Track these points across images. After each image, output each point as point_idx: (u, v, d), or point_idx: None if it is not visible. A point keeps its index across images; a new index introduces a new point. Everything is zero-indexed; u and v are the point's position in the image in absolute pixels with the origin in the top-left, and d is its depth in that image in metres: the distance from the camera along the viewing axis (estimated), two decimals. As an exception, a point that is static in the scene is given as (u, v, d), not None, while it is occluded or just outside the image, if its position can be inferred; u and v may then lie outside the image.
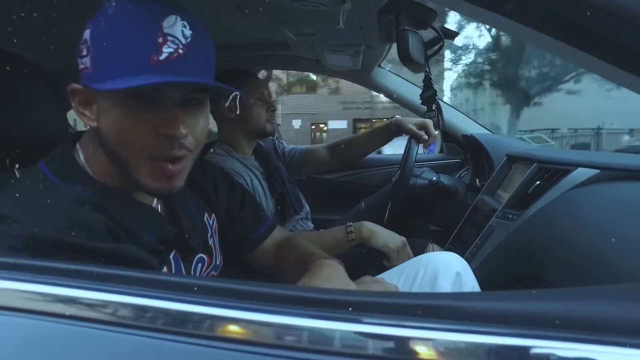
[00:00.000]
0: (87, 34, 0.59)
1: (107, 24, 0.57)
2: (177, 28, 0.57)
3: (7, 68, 0.74)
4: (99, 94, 0.59)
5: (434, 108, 1.42)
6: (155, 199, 0.72)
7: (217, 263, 0.83)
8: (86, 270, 0.47)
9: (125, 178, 0.63)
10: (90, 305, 0.44)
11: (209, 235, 0.81)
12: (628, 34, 0.40)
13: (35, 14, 0.88)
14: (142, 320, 0.42)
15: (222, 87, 0.62)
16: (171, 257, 0.69)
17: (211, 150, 1.45)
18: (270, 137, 1.64)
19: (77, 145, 0.67)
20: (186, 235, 0.71)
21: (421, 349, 0.37)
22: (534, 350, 0.34)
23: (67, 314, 0.44)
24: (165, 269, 0.67)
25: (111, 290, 0.44)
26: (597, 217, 0.92)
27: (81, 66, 0.60)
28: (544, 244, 1.03)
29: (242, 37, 1.60)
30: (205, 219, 0.81)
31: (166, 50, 0.56)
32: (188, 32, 0.57)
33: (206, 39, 0.61)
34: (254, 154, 1.49)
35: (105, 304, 0.44)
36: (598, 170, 1.00)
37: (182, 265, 0.71)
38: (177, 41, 0.56)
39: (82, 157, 0.65)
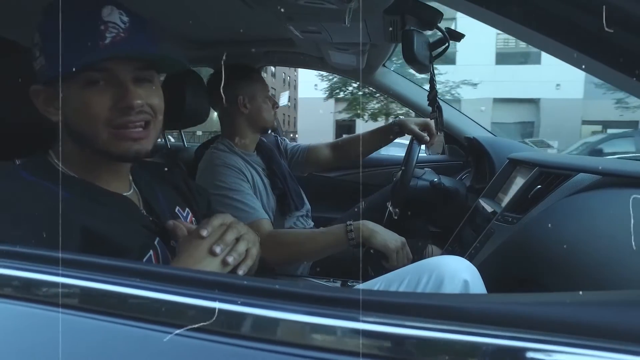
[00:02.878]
0: (36, 37, 0.66)
1: (53, 22, 0.62)
2: (115, 16, 0.64)
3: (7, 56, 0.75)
4: (60, 88, 0.64)
5: (435, 109, 1.43)
6: (132, 189, 0.78)
7: None
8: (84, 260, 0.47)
9: (95, 158, 0.69)
10: (82, 294, 0.45)
11: None
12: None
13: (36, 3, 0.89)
14: (141, 311, 0.43)
15: (166, 57, 0.69)
16: (156, 242, 0.72)
17: (212, 145, 1.45)
18: (273, 134, 1.66)
19: (50, 151, 0.71)
20: (160, 221, 0.76)
21: (417, 349, 0.37)
22: (529, 354, 0.34)
23: (60, 302, 0.44)
24: (152, 254, 0.71)
25: (106, 280, 0.44)
26: (598, 223, 0.92)
27: (37, 67, 0.66)
28: (543, 248, 1.03)
29: (247, 34, 1.60)
30: (177, 210, 0.84)
31: (109, 35, 0.64)
32: (125, 19, 0.65)
33: (144, 24, 0.69)
34: (256, 149, 1.50)
35: (102, 294, 0.44)
36: (599, 176, 1.00)
37: (167, 251, 0.74)
38: (117, 27, 0.64)
39: (54, 158, 0.70)
